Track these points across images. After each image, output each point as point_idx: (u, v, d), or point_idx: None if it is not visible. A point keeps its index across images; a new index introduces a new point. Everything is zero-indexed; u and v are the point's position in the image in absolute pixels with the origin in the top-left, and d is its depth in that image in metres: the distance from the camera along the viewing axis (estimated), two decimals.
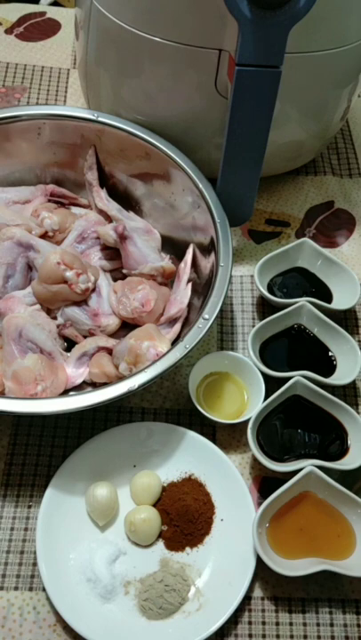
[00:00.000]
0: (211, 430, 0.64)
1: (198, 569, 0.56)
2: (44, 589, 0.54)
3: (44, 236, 0.69)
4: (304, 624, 0.55)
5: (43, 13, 1.04)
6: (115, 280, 0.69)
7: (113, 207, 0.72)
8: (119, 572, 0.55)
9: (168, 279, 0.70)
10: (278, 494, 0.55)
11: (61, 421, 0.63)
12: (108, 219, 0.72)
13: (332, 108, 0.74)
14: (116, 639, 0.51)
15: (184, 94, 0.67)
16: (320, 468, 0.57)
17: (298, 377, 0.62)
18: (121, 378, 0.56)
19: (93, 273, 0.66)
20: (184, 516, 0.57)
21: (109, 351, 0.63)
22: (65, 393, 0.62)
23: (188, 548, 0.57)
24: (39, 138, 0.73)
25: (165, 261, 0.69)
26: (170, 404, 0.65)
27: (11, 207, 0.72)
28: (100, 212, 0.73)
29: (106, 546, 0.56)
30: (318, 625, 0.55)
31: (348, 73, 0.70)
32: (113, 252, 0.70)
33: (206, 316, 0.58)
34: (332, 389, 0.65)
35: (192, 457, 0.60)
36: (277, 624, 0.54)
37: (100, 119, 0.71)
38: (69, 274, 0.63)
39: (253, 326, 0.67)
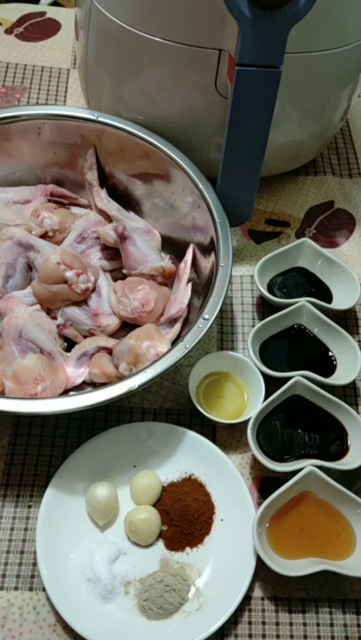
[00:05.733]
0: (211, 430, 0.64)
1: (198, 569, 0.56)
2: (44, 589, 0.54)
3: (44, 236, 0.70)
4: (304, 624, 0.55)
5: (43, 13, 1.04)
6: (115, 280, 0.69)
7: (113, 207, 0.72)
8: (119, 572, 0.55)
9: (168, 279, 0.70)
10: (278, 494, 0.55)
11: (61, 421, 0.63)
12: (108, 219, 0.72)
13: (332, 108, 0.74)
14: (115, 639, 0.51)
15: (184, 94, 0.67)
16: (320, 468, 0.57)
17: (298, 377, 0.62)
18: (121, 378, 0.56)
19: (93, 273, 0.66)
20: (184, 515, 0.57)
21: (109, 351, 0.63)
22: (65, 393, 0.62)
23: (188, 548, 0.57)
24: (39, 138, 0.73)
25: (165, 261, 0.69)
26: (170, 404, 0.65)
27: (11, 207, 0.72)
28: (100, 211, 0.73)
29: (106, 546, 0.56)
30: (318, 625, 0.55)
31: (348, 73, 0.70)
32: (113, 252, 0.70)
33: (206, 316, 0.58)
34: (332, 389, 0.65)
35: (192, 457, 0.60)
36: (277, 624, 0.54)
37: (100, 119, 0.71)
38: (69, 274, 0.63)
39: (253, 326, 0.67)
